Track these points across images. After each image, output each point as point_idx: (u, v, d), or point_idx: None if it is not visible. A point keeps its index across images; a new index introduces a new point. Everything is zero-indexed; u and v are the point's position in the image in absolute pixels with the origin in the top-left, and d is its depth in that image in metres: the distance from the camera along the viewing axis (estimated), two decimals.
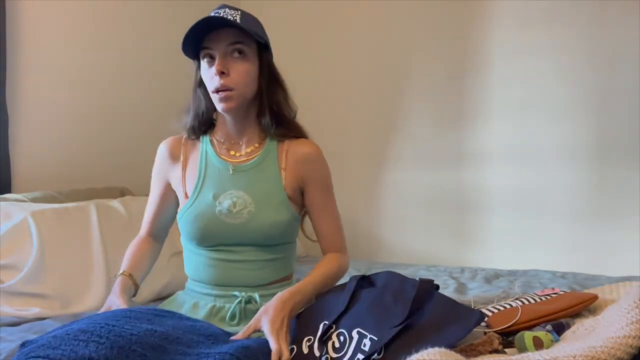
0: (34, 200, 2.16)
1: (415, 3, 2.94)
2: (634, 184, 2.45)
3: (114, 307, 1.33)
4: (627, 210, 2.46)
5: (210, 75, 1.41)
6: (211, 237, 1.43)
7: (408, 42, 2.98)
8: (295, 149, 1.49)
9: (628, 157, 2.47)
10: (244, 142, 1.50)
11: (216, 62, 1.38)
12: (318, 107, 3.06)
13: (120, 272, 1.46)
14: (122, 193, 2.51)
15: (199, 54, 1.43)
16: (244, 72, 1.40)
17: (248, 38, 1.40)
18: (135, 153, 2.64)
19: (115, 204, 2.18)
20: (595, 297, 1.42)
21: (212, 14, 1.39)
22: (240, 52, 1.39)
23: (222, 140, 1.50)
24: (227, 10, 1.40)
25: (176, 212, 1.54)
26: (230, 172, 1.46)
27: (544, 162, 2.65)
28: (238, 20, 1.38)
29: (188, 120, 1.51)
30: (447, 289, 2.09)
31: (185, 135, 1.54)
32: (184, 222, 1.46)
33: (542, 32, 2.65)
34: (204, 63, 1.42)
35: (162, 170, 1.55)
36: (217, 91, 1.40)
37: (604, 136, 2.54)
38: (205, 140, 1.52)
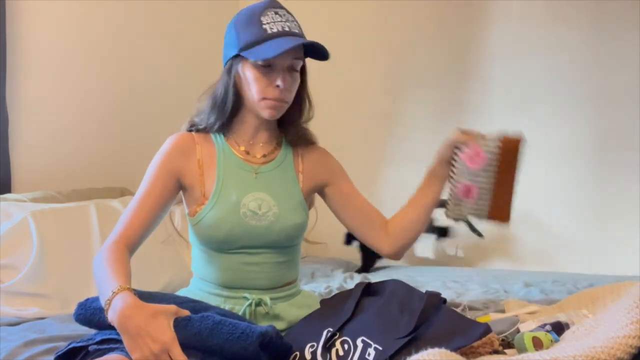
0: (34, 200, 2.16)
1: (415, 3, 2.94)
2: (634, 184, 2.45)
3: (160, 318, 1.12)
4: (627, 210, 2.47)
5: (264, 84, 1.36)
6: (234, 241, 1.39)
7: (408, 41, 2.98)
8: (309, 154, 1.52)
9: (628, 157, 2.47)
10: (262, 143, 1.47)
11: (279, 75, 1.36)
12: (317, 106, 3.05)
13: (123, 285, 1.18)
14: (122, 193, 2.51)
15: (237, 58, 1.38)
16: (296, 85, 1.42)
17: (302, 52, 1.41)
18: (136, 153, 2.64)
19: (115, 204, 2.18)
20: None
21: (277, 20, 1.37)
22: (297, 65, 1.40)
23: (241, 139, 1.46)
24: (286, 14, 1.40)
25: (161, 219, 1.42)
26: (254, 174, 1.43)
27: (544, 162, 2.65)
28: (300, 31, 1.40)
29: (219, 118, 1.43)
30: (447, 290, 2.09)
31: (194, 132, 1.46)
32: (203, 226, 1.39)
33: (543, 32, 2.65)
34: (257, 67, 1.36)
35: (172, 161, 1.41)
36: (268, 100, 1.37)
37: (604, 136, 2.54)
38: (219, 138, 1.46)
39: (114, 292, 1.15)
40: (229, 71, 1.41)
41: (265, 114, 1.39)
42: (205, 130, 1.47)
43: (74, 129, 2.57)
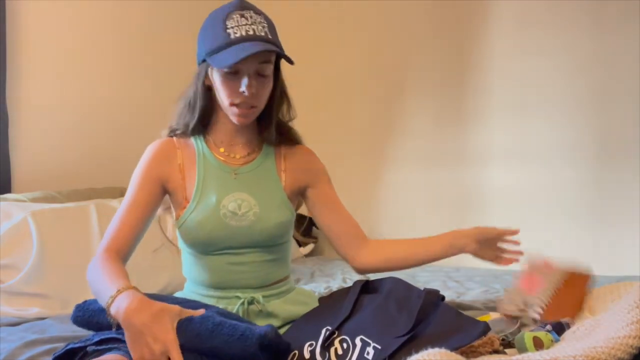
0: (34, 200, 2.16)
1: (415, 3, 2.94)
2: (634, 184, 2.45)
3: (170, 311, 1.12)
4: (627, 210, 2.46)
5: (231, 89, 1.35)
6: (217, 243, 1.39)
7: (408, 42, 2.98)
8: (292, 154, 1.52)
9: (628, 157, 2.47)
10: (242, 144, 1.48)
11: (245, 80, 1.33)
12: (318, 107, 3.06)
13: (129, 285, 1.18)
14: (122, 193, 2.51)
15: (205, 63, 1.38)
16: (267, 90, 1.40)
17: (273, 56, 1.37)
18: (136, 153, 2.64)
19: (115, 204, 2.18)
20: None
21: (242, 23, 1.32)
22: (265, 70, 1.36)
23: (220, 141, 1.47)
24: (253, 15, 1.34)
25: (148, 226, 1.42)
26: (233, 175, 1.44)
27: (544, 162, 2.65)
28: (268, 32, 1.34)
29: (191, 119, 1.45)
30: (447, 290, 2.09)
31: (175, 137, 1.48)
32: (186, 229, 1.40)
33: (542, 32, 2.64)
34: (222, 72, 1.35)
35: (155, 168, 1.43)
36: (236, 106, 1.36)
37: (604, 136, 2.54)
38: (198, 140, 1.47)
39: (118, 290, 1.15)
40: (198, 75, 1.41)
41: (235, 120, 1.40)
42: (185, 135, 1.47)
43: (74, 129, 2.57)
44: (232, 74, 1.34)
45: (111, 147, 2.66)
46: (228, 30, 1.32)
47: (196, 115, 1.44)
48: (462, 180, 2.85)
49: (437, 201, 2.91)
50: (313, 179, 1.52)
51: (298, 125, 1.54)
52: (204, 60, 1.39)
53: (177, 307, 1.14)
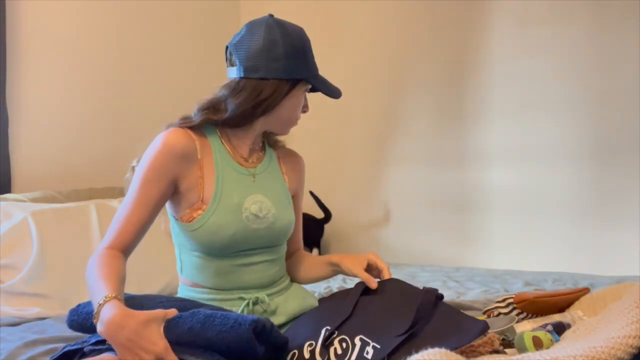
0: (34, 200, 2.16)
1: (415, 3, 2.94)
2: (634, 184, 2.45)
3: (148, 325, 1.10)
4: (627, 210, 2.47)
5: (300, 108, 1.46)
6: (236, 245, 1.36)
7: (408, 42, 2.98)
8: (288, 156, 1.56)
9: (628, 157, 2.47)
10: (253, 148, 1.47)
11: (307, 101, 1.47)
12: (318, 107, 3.05)
13: (109, 295, 1.14)
14: (122, 193, 2.50)
15: (298, 81, 1.39)
16: None
17: None
18: (135, 153, 2.64)
19: (115, 204, 2.18)
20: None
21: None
22: None
23: (243, 144, 1.44)
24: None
25: (153, 222, 1.36)
26: (251, 177, 1.43)
27: (544, 162, 2.65)
28: None
29: (241, 109, 1.35)
30: (447, 290, 2.09)
31: (189, 129, 1.37)
32: (204, 232, 1.33)
33: (542, 32, 2.65)
34: (305, 93, 1.44)
35: (170, 164, 1.33)
36: (296, 121, 1.47)
37: (604, 136, 2.54)
38: (214, 140, 1.41)
39: (99, 304, 1.12)
40: (281, 86, 1.37)
41: (287, 132, 1.48)
42: (199, 127, 1.39)
43: (74, 129, 2.57)
44: (305, 95, 1.46)
45: (111, 147, 2.66)
46: (314, 59, 1.45)
47: (254, 116, 1.38)
48: (462, 180, 2.85)
49: (437, 201, 2.92)
50: (300, 184, 1.58)
51: (298, 125, 1.54)
52: (288, 78, 1.37)
53: (160, 311, 1.12)
